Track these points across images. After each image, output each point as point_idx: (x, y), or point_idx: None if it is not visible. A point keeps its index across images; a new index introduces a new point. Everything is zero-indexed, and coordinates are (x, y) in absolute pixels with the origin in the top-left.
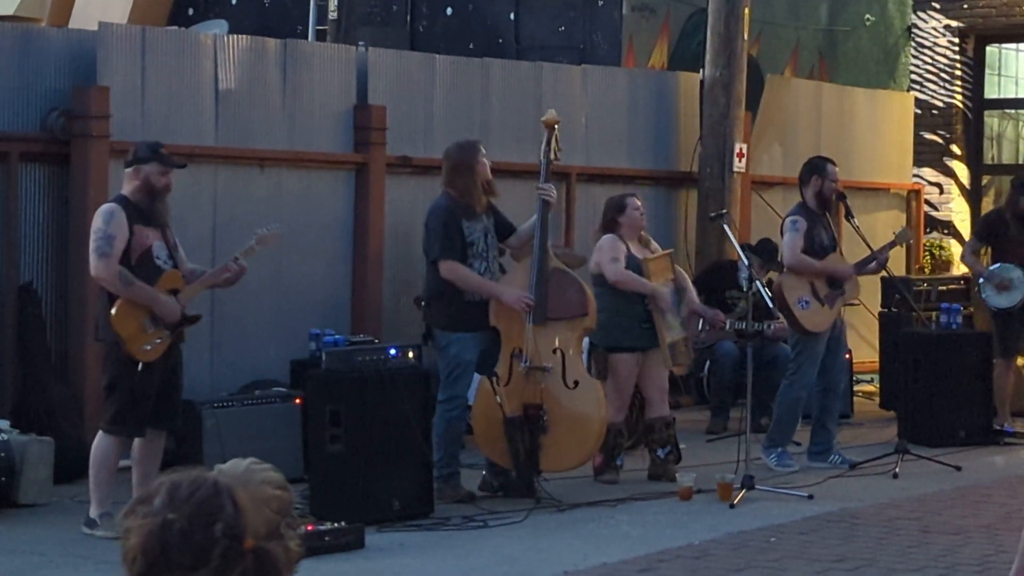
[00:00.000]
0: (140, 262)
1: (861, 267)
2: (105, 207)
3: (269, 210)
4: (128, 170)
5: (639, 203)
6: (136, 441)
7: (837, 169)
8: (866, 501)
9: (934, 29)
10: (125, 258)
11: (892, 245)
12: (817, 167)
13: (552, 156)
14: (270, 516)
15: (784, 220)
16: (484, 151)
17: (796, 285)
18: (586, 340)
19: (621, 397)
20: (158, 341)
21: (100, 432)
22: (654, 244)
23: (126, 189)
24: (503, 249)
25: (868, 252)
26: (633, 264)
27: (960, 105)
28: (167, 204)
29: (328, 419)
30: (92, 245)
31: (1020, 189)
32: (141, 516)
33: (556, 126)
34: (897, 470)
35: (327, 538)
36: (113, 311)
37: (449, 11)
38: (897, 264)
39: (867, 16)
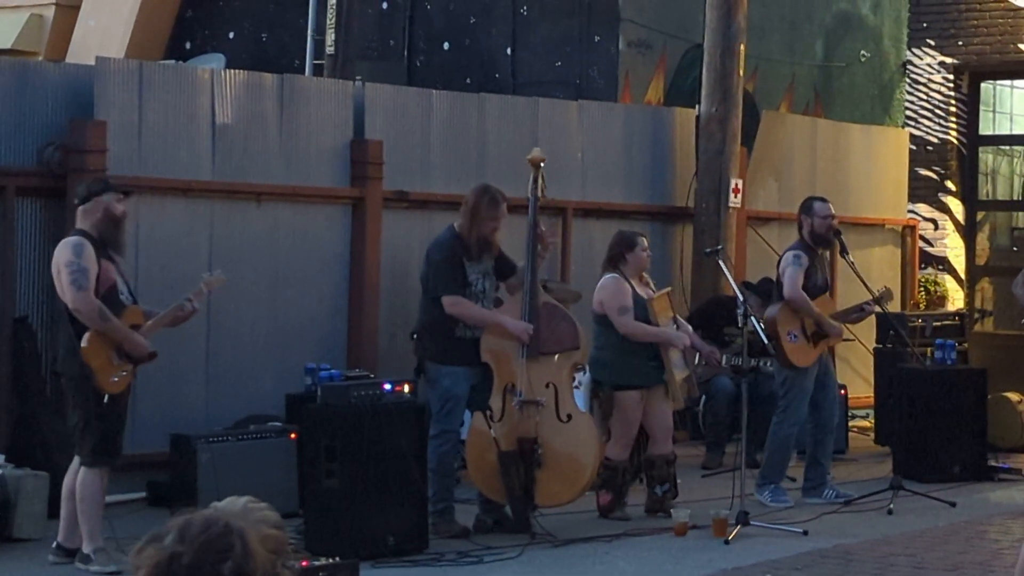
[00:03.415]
0: (106, 297)
1: (845, 316)
2: (72, 240)
3: (265, 244)
4: (85, 207)
5: (647, 244)
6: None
7: (829, 204)
8: (861, 537)
9: (929, 65)
10: (94, 292)
11: (876, 301)
12: (805, 207)
13: (539, 194)
14: (267, 555)
15: (785, 254)
16: (501, 212)
17: (789, 319)
18: (586, 377)
19: (628, 435)
20: (124, 373)
21: (83, 468)
22: (652, 283)
23: (83, 224)
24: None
25: (862, 287)
26: (639, 304)
27: (955, 141)
28: (125, 237)
29: (323, 454)
30: (68, 278)
31: None
32: (152, 550)
33: (541, 164)
34: (892, 506)
35: (322, 573)
36: (84, 344)
37: (446, 46)
38: (892, 300)
39: (862, 52)
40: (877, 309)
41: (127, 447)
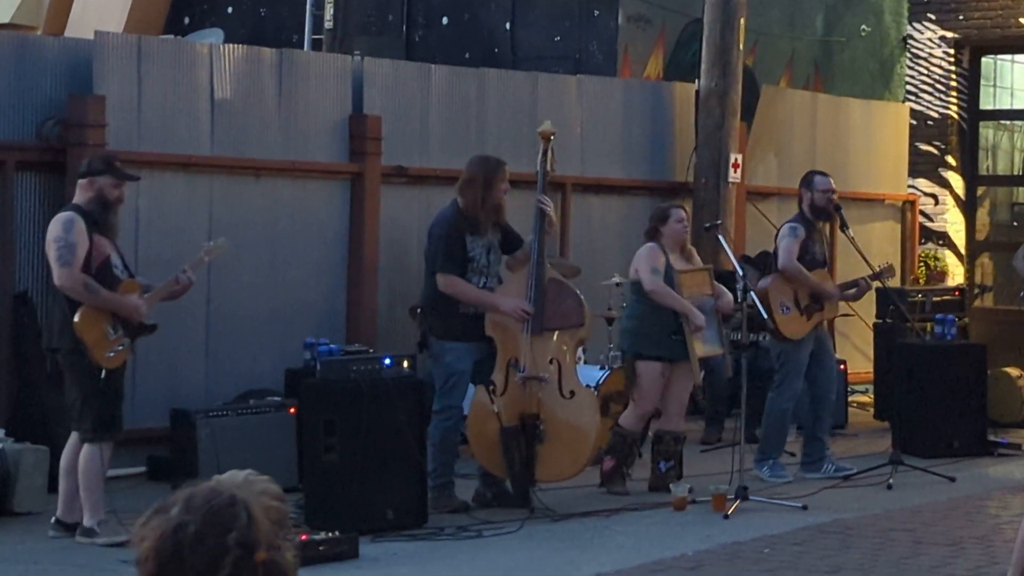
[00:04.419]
0: (99, 271)
1: (842, 290)
2: (63, 216)
3: (264, 219)
4: (82, 181)
5: (684, 215)
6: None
7: (829, 178)
8: (860, 512)
9: (929, 40)
10: (86, 267)
11: (876, 277)
12: (805, 181)
13: (549, 167)
14: (270, 527)
15: (782, 226)
16: (507, 175)
17: (781, 290)
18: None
19: (644, 406)
20: (120, 348)
21: (85, 444)
22: (696, 257)
23: (79, 199)
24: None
25: (862, 261)
26: (668, 275)
27: (955, 116)
28: (118, 216)
29: (323, 429)
30: (54, 254)
31: None
32: (157, 520)
33: (552, 137)
34: (891, 481)
35: (321, 547)
36: (76, 318)
37: (445, 21)
38: (893, 276)
39: (863, 27)
40: (877, 284)
41: (127, 422)
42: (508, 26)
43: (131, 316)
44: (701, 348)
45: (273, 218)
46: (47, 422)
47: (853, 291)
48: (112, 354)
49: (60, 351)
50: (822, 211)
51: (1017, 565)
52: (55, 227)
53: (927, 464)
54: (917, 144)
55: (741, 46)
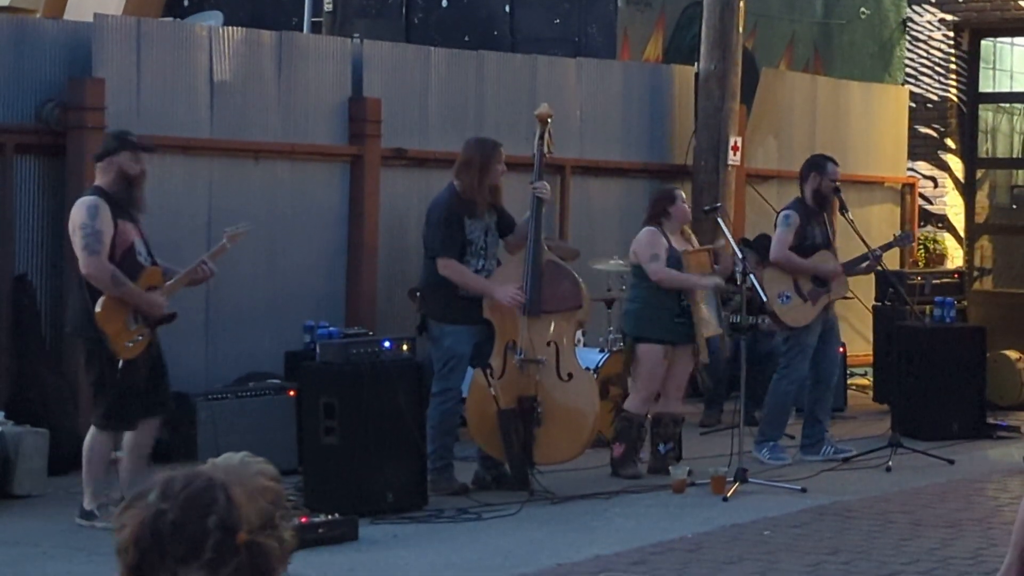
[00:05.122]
0: (123, 258)
1: (852, 266)
2: (87, 200)
3: (264, 202)
4: (100, 164)
5: (685, 197)
6: (127, 432)
7: (838, 168)
8: (859, 494)
9: (929, 23)
10: (110, 254)
11: (889, 246)
12: (817, 164)
13: (545, 150)
14: (264, 507)
15: (779, 214)
16: (503, 156)
17: (778, 279)
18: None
19: (647, 389)
20: (140, 338)
21: (92, 428)
22: (694, 240)
23: (101, 181)
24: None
25: (862, 245)
26: (673, 257)
27: (955, 99)
28: (144, 195)
29: (322, 411)
30: (81, 241)
31: None
32: (136, 509)
33: (549, 120)
34: (890, 463)
35: (321, 530)
36: (98, 309)
37: (444, 3)
38: (891, 258)
39: (862, 9)
40: (895, 247)
41: None
42: (507, 8)
43: (152, 314)
44: (711, 328)
45: (273, 201)
46: (47, 405)
47: (865, 264)
48: (131, 344)
49: (80, 338)
50: (825, 198)
51: (1016, 547)
52: (80, 213)
53: (926, 447)
54: (916, 127)
55: (741, 29)
